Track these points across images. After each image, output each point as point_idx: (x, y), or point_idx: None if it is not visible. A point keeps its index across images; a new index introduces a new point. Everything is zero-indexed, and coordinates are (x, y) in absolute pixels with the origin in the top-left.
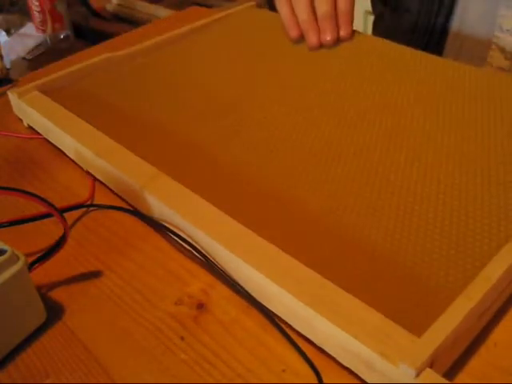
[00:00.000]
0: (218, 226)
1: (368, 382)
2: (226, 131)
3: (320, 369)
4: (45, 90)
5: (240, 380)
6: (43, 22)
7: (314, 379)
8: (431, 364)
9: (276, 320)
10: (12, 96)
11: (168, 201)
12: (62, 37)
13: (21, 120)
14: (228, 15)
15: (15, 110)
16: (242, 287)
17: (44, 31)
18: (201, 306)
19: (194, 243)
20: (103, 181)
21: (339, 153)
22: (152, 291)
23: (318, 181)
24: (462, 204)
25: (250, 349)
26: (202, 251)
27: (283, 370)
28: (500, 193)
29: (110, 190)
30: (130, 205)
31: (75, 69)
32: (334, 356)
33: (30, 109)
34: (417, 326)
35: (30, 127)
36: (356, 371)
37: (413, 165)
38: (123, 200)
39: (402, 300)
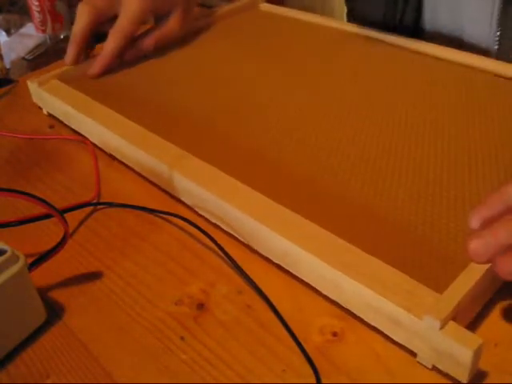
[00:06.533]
0: (245, 198)
1: (393, 338)
2: (259, 126)
3: (320, 369)
4: (64, 79)
5: (240, 380)
6: (43, 22)
7: (313, 379)
8: (454, 318)
9: (281, 316)
10: (32, 85)
11: (196, 179)
12: (62, 37)
13: (36, 111)
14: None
15: (35, 98)
16: (252, 280)
17: (44, 31)
18: (201, 306)
19: (219, 218)
20: (130, 164)
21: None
22: (152, 291)
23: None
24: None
25: (250, 349)
26: (231, 223)
27: (283, 370)
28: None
29: (111, 190)
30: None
31: (94, 58)
32: (360, 315)
33: (52, 97)
34: (437, 286)
35: (50, 115)
36: (381, 328)
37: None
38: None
39: (420, 262)
